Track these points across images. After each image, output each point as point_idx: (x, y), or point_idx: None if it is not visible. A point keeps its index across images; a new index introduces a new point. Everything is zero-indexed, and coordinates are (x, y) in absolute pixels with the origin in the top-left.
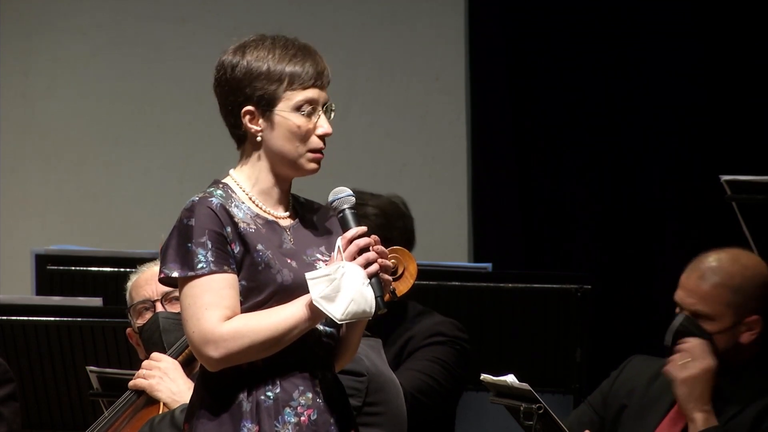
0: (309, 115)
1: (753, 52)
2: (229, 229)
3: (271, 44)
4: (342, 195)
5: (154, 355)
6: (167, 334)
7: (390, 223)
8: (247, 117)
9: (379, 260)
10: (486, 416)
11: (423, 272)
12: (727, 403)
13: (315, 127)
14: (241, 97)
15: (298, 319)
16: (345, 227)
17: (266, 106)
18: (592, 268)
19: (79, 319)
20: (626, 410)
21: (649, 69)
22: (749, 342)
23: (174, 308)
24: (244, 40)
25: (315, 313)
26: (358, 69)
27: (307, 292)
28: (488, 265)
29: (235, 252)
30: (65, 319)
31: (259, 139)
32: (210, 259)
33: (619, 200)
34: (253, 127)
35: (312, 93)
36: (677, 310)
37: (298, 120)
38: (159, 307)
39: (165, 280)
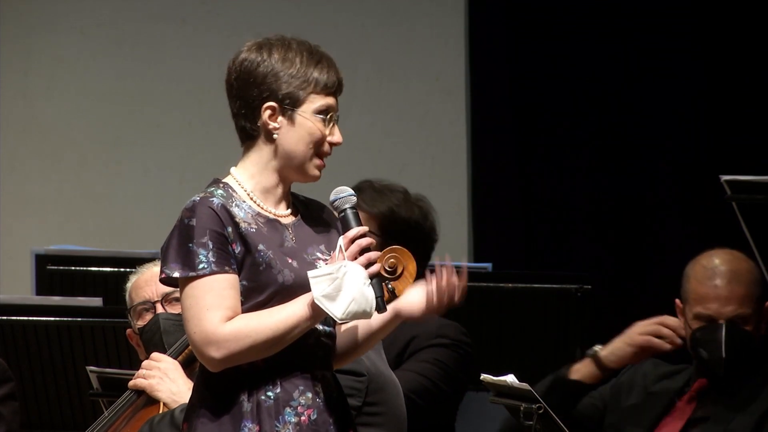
0: (327, 122)
1: (753, 52)
2: (230, 229)
3: (298, 47)
4: (343, 195)
5: (154, 355)
6: (168, 336)
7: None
8: (268, 112)
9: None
10: (486, 416)
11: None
12: (730, 403)
13: (329, 135)
14: (266, 92)
15: (299, 318)
16: (346, 227)
17: (290, 105)
18: (592, 268)
19: (79, 319)
20: (627, 405)
21: (650, 69)
22: (764, 331)
23: (174, 309)
24: (264, 39)
25: (316, 311)
26: (358, 69)
27: (308, 291)
28: (488, 265)
29: (236, 252)
30: (65, 319)
31: (275, 136)
32: (211, 259)
33: (620, 200)
34: (272, 124)
35: (331, 100)
36: (691, 325)
37: (318, 123)
38: (159, 309)
39: (166, 280)
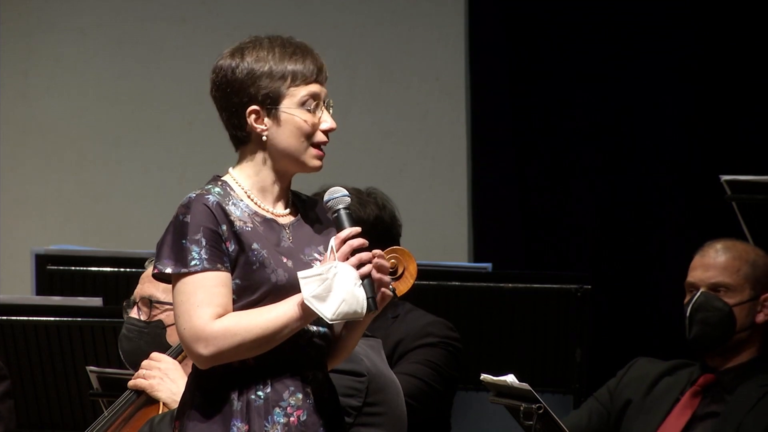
0: (313, 111)
1: (753, 52)
2: (224, 227)
3: (269, 44)
4: (337, 195)
5: (154, 355)
6: (123, 341)
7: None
8: (253, 117)
9: (376, 260)
10: (486, 416)
11: (423, 272)
12: (741, 401)
13: (319, 122)
14: (245, 97)
15: (290, 318)
16: (339, 227)
17: (271, 104)
18: (592, 268)
19: (79, 319)
20: (631, 405)
21: (649, 69)
22: (762, 323)
23: (143, 315)
24: (238, 43)
25: (306, 312)
26: (358, 69)
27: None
28: (488, 265)
29: (230, 250)
30: (65, 319)
31: (264, 138)
32: (204, 256)
33: (619, 200)
34: (259, 127)
35: (314, 88)
36: (687, 298)
37: (304, 115)
38: (134, 311)
39: (159, 276)
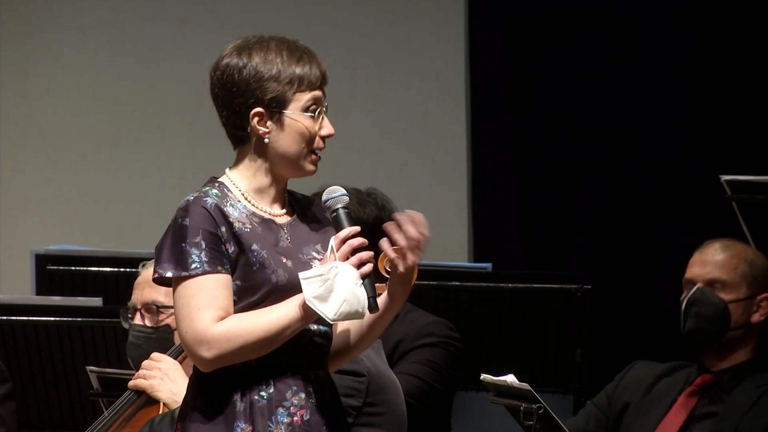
0: (315, 117)
1: (753, 52)
2: (223, 229)
3: (277, 46)
4: (336, 194)
5: (155, 355)
6: (132, 348)
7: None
8: (256, 119)
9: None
10: (486, 416)
11: (423, 272)
12: (739, 401)
13: (319, 128)
14: (251, 98)
15: (291, 318)
16: (338, 227)
17: (276, 108)
18: (592, 268)
19: (79, 319)
20: (630, 407)
21: (649, 69)
22: (758, 323)
23: (149, 321)
24: (243, 41)
25: (308, 312)
26: (358, 69)
27: (302, 292)
28: (488, 265)
29: (230, 252)
30: (65, 319)
31: (266, 140)
32: (204, 259)
33: (619, 200)
34: (261, 129)
35: (318, 94)
36: (683, 295)
37: (307, 122)
38: (137, 317)
39: (159, 280)
